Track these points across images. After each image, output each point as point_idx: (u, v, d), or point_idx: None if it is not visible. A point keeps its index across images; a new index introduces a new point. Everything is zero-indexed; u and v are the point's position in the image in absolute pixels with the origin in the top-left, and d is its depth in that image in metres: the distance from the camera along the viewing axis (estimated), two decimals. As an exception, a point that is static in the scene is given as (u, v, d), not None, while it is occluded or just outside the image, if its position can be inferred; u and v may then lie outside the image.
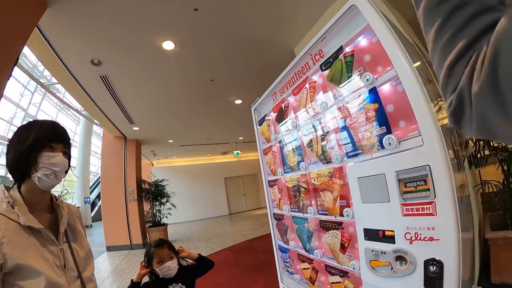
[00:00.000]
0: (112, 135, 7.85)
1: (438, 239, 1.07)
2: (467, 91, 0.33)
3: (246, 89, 5.44)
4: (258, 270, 4.48)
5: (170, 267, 1.61)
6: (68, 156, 1.03)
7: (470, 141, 2.80)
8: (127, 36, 3.22)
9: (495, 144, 2.69)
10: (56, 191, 1.07)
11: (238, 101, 6.20)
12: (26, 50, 2.91)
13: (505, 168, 2.65)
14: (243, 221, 11.38)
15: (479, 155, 2.72)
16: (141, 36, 3.25)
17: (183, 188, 13.24)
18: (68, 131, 1.08)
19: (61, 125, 1.04)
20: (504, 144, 2.69)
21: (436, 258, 1.07)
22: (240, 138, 11.05)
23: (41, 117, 13.03)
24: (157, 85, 4.78)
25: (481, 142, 2.74)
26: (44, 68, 7.57)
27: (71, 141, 1.07)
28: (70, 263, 0.95)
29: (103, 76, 4.13)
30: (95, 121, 6.89)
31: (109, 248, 7.55)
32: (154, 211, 8.33)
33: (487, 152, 2.73)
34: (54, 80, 5.23)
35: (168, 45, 3.51)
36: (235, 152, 12.25)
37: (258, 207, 15.69)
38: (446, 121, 1.77)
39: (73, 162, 15.94)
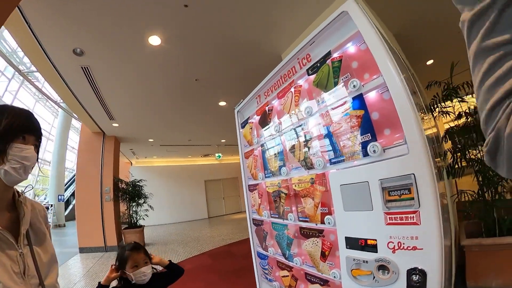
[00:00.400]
0: (90, 130, 7.53)
1: (422, 249, 1.06)
2: (503, 132, 0.35)
3: (231, 91, 5.39)
4: (236, 275, 4.40)
5: (145, 272, 1.54)
6: (37, 150, 0.94)
7: (448, 153, 2.89)
8: (113, 27, 3.09)
9: (471, 156, 2.79)
10: (20, 186, 0.98)
11: (222, 103, 6.13)
12: (6, 34, 2.71)
13: (480, 178, 2.77)
14: (222, 225, 11.23)
15: (456, 166, 2.82)
16: (127, 28, 3.14)
17: (162, 189, 12.93)
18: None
19: (35, 115, 0.96)
20: (479, 156, 2.79)
21: (419, 267, 1.07)
22: (223, 140, 10.96)
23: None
24: (140, 81, 4.63)
25: (459, 154, 2.84)
26: (24, 55, 7.18)
27: (44, 133, 0.98)
28: (31, 269, 0.85)
29: (84, 67, 3.96)
30: (74, 114, 6.61)
31: (82, 250, 7.21)
32: (131, 212, 8.06)
33: (464, 163, 2.83)
34: (33, 68, 4.95)
35: (154, 40, 3.41)
36: (216, 154, 12.15)
37: (238, 211, 15.54)
38: (429, 131, 1.80)
39: (49, 156, 15.24)
